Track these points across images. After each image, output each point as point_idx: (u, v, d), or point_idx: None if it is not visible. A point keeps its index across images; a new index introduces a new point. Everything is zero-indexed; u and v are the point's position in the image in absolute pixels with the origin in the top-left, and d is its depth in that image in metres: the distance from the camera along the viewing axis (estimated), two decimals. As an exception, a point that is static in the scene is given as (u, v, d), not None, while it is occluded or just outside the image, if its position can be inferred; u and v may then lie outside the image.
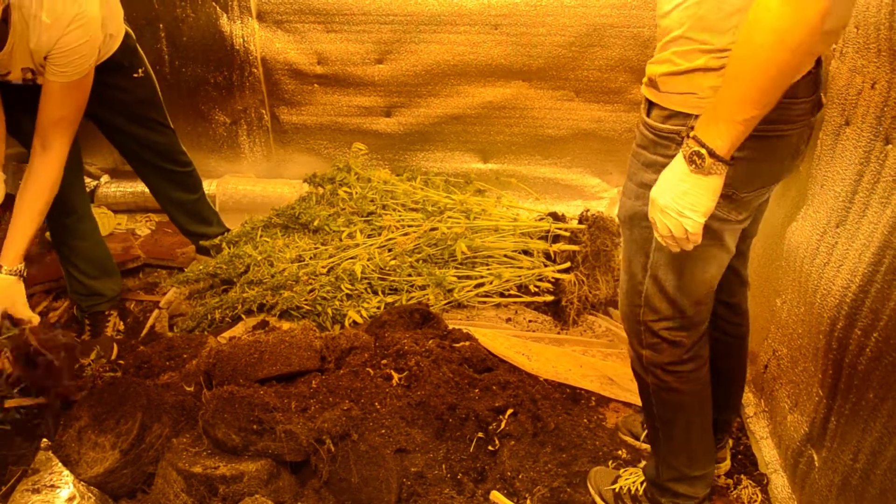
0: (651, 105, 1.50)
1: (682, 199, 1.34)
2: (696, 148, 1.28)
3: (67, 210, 2.63)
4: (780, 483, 2.09)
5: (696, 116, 1.35)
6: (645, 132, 1.52)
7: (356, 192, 3.13)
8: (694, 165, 1.30)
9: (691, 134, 1.30)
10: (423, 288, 2.87)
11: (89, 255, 2.76)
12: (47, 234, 3.43)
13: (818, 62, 1.40)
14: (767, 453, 2.20)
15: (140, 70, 2.68)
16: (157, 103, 2.80)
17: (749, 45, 1.17)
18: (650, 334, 1.67)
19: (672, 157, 1.39)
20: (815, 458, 1.88)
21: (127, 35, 2.59)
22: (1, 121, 2.35)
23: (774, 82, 1.18)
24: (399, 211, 3.07)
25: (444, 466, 2.10)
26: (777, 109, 1.28)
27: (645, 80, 1.53)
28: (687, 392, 1.71)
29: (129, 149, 2.84)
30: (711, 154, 1.27)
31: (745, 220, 1.53)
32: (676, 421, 1.77)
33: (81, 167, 2.69)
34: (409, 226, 2.99)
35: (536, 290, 2.91)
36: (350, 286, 2.83)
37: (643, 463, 2.14)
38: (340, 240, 2.99)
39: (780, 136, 1.39)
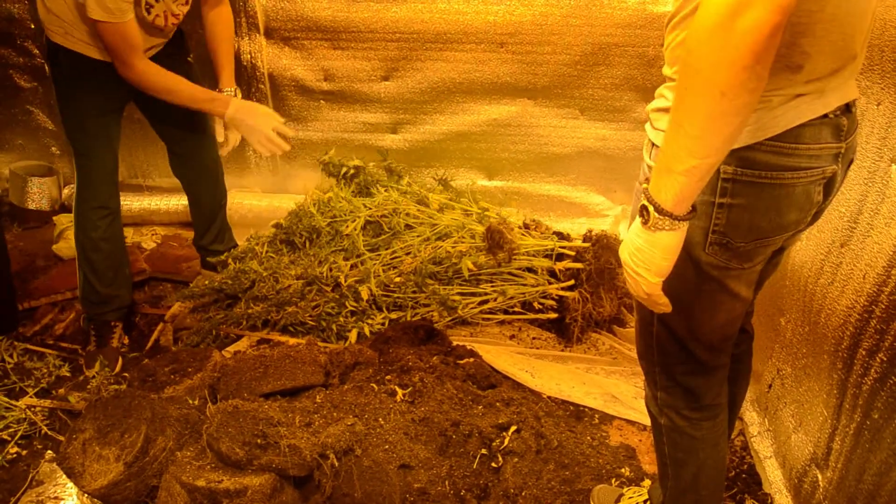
0: (651, 143, 1.41)
1: (637, 255, 1.23)
2: (644, 202, 1.18)
3: (101, 205, 2.70)
4: (784, 503, 2.09)
5: None
6: (645, 170, 1.43)
7: (388, 197, 3.15)
8: (643, 220, 1.19)
9: (643, 186, 1.20)
10: (427, 305, 2.88)
11: (110, 259, 2.78)
12: (54, 246, 3.45)
13: (846, 108, 1.28)
14: (771, 473, 2.19)
15: (191, 56, 2.79)
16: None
17: (679, 88, 1.07)
18: (664, 377, 1.60)
19: None
20: (820, 478, 1.87)
21: None
22: None
23: (708, 129, 1.05)
24: (416, 227, 3.08)
25: (447, 483, 2.09)
26: (776, 154, 1.22)
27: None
28: (700, 438, 1.64)
29: (175, 134, 2.90)
30: (658, 209, 1.15)
31: (752, 268, 1.40)
32: (687, 464, 1.70)
33: (118, 167, 2.77)
34: (410, 244, 3.00)
35: (540, 307, 2.92)
36: (355, 304, 2.84)
37: (647, 482, 2.14)
38: (346, 250, 3.00)
39: (781, 183, 1.25)
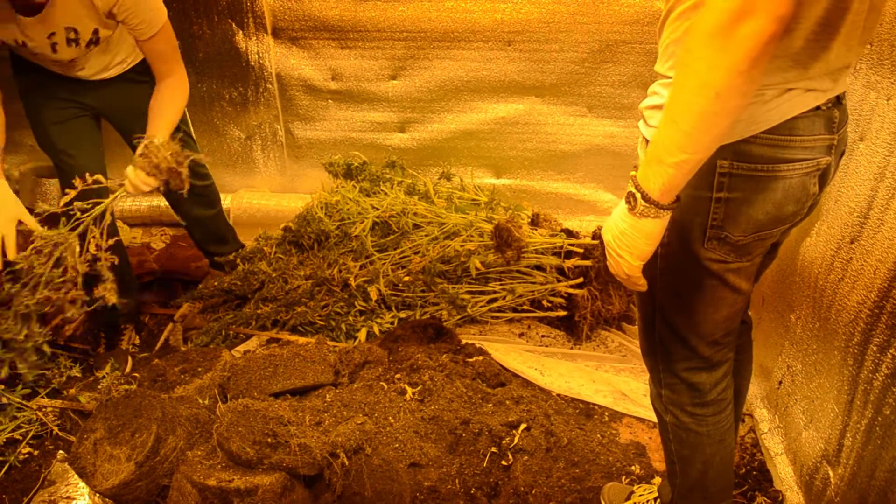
0: (645, 140, 1.43)
1: (620, 239, 1.27)
2: (631, 189, 1.21)
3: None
4: (795, 500, 2.08)
5: None
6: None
7: (390, 199, 3.15)
8: (629, 206, 1.23)
9: (632, 173, 1.23)
10: (436, 303, 2.88)
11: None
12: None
13: (836, 100, 1.30)
14: (782, 470, 2.19)
15: None
16: (183, 114, 2.82)
17: (675, 86, 1.10)
18: (668, 374, 1.62)
19: None
20: (831, 475, 1.87)
21: None
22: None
23: (700, 127, 1.08)
24: (425, 226, 3.09)
25: (457, 481, 2.09)
26: (771, 147, 1.24)
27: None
28: (705, 434, 1.65)
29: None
30: (644, 197, 1.19)
31: (750, 262, 1.42)
32: (693, 460, 1.70)
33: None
34: (419, 244, 3.00)
35: (549, 305, 2.91)
36: (364, 303, 2.85)
37: (657, 479, 2.13)
38: (354, 251, 3.00)
39: (776, 176, 1.27)
